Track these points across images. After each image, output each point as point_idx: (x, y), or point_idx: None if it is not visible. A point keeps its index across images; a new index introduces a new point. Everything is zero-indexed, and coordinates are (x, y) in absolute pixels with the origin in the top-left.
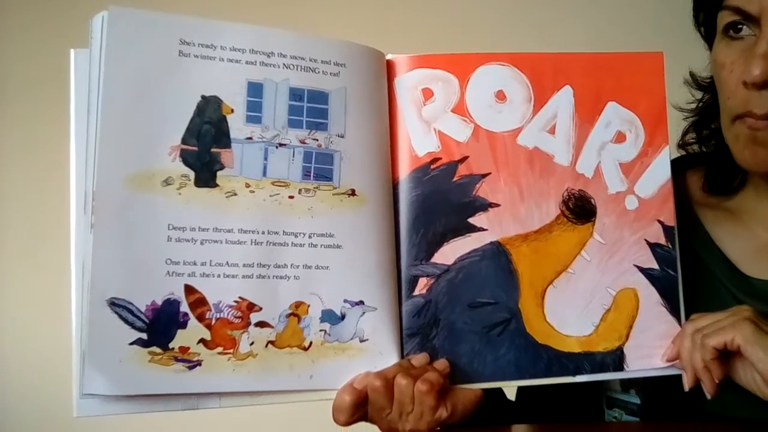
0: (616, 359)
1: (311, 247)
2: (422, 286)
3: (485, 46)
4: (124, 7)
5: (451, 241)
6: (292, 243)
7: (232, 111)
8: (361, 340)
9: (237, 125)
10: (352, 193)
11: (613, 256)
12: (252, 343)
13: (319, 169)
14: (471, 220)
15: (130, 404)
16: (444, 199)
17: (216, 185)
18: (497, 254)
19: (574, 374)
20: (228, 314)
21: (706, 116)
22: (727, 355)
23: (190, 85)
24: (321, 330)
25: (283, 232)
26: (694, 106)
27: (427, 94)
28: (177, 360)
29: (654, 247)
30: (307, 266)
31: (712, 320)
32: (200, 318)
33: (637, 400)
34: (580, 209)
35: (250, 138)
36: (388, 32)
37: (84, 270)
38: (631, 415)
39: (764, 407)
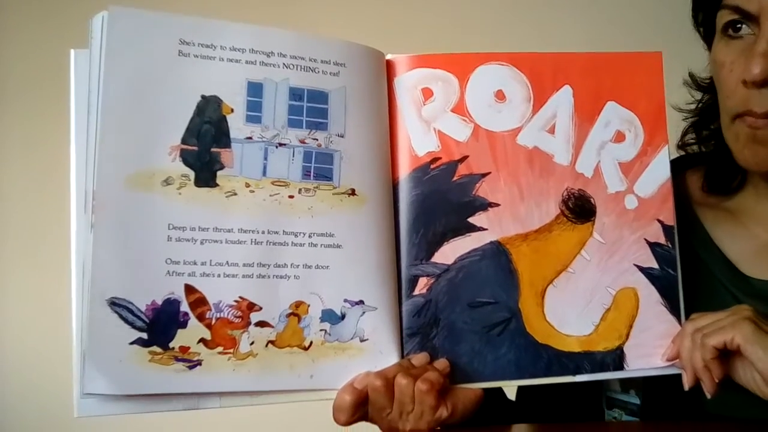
0: (616, 359)
1: (311, 246)
2: (422, 285)
3: (485, 46)
4: (124, 7)
5: (451, 240)
6: (292, 243)
7: (232, 111)
8: (362, 340)
9: (237, 125)
10: (352, 192)
11: (612, 255)
12: (252, 343)
13: (319, 168)
14: (471, 219)
15: (130, 404)
16: (444, 199)
17: (216, 185)
18: (497, 254)
19: (574, 374)
20: (228, 314)
21: (706, 117)
22: (727, 355)
23: (189, 85)
24: (321, 330)
25: (283, 231)
26: (693, 106)
27: (427, 93)
28: (177, 360)
29: (654, 246)
30: (307, 266)
31: (712, 320)
32: (200, 318)
33: (637, 401)
34: (579, 209)
35: (250, 138)
36: (387, 32)
37: (84, 270)
38: (631, 416)
39: (764, 407)
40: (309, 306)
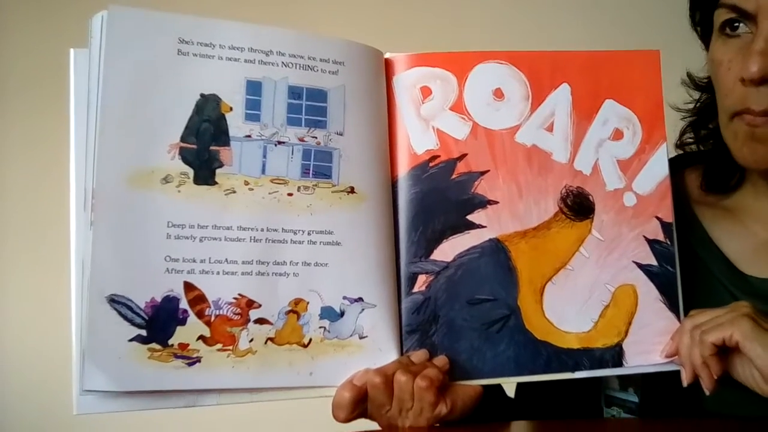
0: (615, 355)
1: (310, 244)
2: (421, 283)
3: (483, 45)
4: (123, 6)
5: (450, 238)
6: (291, 240)
7: (231, 109)
8: (361, 337)
9: (236, 123)
10: (351, 190)
11: (611, 252)
12: (251, 340)
13: (318, 166)
14: (470, 217)
15: (129, 401)
16: (443, 197)
17: (215, 183)
18: (496, 251)
19: (573, 370)
20: (227, 311)
21: (704, 116)
22: (725, 352)
23: (189, 84)
24: (320, 327)
25: (282, 229)
26: (691, 106)
27: (426, 92)
28: (176, 356)
29: (652, 243)
30: (307, 263)
31: (711, 316)
32: (199, 315)
33: (636, 399)
34: (578, 206)
35: (249, 136)
36: (386, 31)
37: (84, 267)
38: (630, 414)
39: (763, 404)
40: (308, 303)
